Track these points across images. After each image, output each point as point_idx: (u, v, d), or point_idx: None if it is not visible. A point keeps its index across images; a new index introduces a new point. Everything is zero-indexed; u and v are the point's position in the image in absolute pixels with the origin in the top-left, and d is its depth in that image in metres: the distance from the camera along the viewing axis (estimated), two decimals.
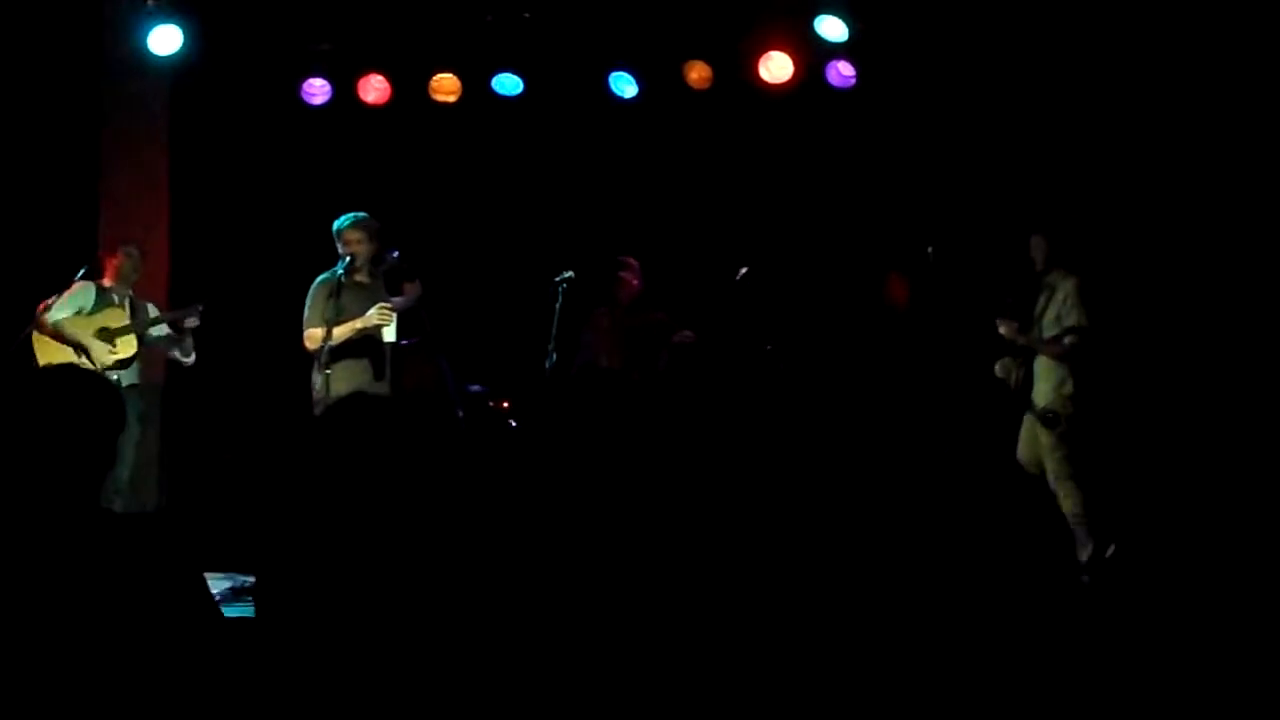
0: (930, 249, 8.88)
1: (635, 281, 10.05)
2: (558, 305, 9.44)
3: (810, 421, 8.89)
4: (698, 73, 10.49)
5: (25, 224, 10.21)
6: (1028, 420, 8.64)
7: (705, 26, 10.41)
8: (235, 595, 8.52)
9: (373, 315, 8.74)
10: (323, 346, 8.73)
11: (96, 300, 9.27)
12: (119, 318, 9.37)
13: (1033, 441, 8.62)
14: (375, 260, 8.97)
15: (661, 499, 8.27)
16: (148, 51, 10.16)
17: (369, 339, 8.84)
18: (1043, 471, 8.54)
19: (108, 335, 9.28)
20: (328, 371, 8.72)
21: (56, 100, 10.49)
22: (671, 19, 10.37)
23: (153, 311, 9.57)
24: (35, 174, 10.39)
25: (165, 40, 10.10)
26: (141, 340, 9.46)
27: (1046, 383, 8.55)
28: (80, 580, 3.06)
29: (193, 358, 9.65)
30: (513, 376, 10.04)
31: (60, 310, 9.16)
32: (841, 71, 10.21)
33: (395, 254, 8.93)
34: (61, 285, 9.33)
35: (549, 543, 7.13)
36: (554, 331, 9.41)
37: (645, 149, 10.82)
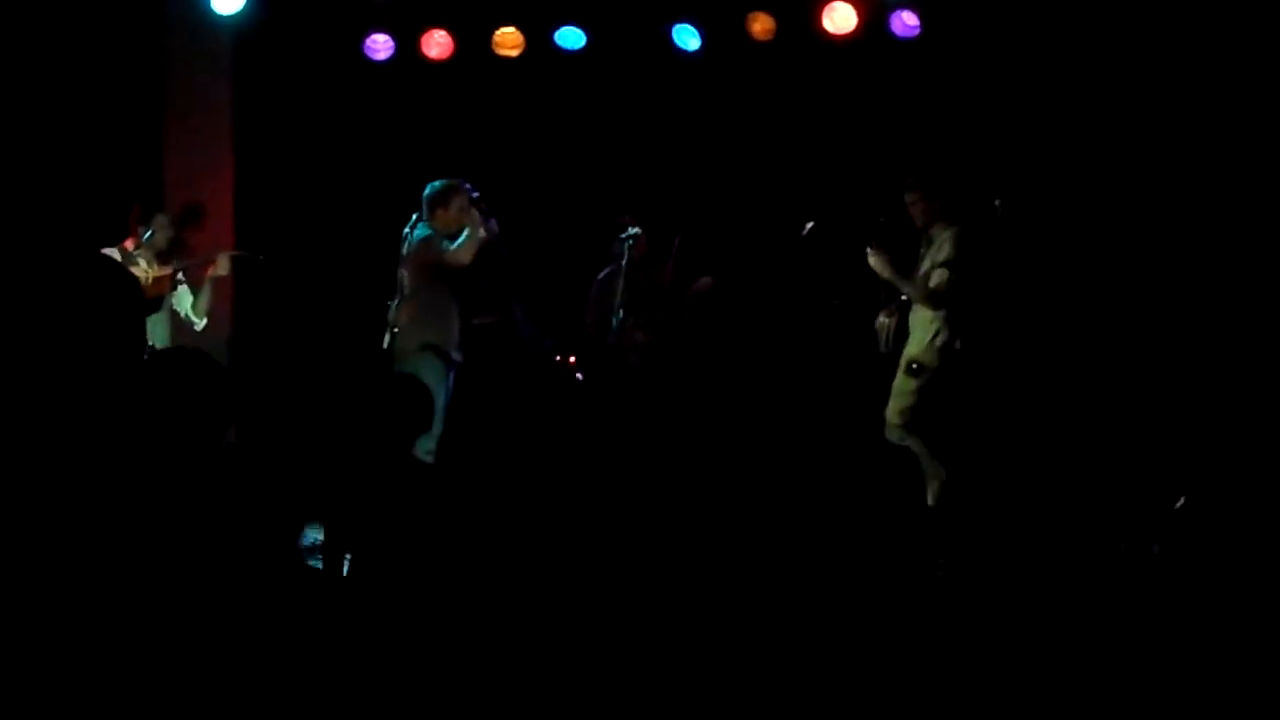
0: (997, 202, 8.80)
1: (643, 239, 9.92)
2: (624, 263, 9.42)
3: (875, 380, 8.86)
4: (761, 24, 10.43)
5: (91, 182, 10.24)
6: (899, 377, 8.62)
7: None
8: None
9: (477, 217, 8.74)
10: (390, 304, 8.80)
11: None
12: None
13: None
14: None
15: (730, 459, 8.31)
16: (210, 11, 10.17)
17: (438, 300, 8.82)
18: (907, 434, 8.53)
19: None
20: (395, 330, 8.76)
21: (120, 58, 10.49)
22: None
23: (184, 289, 9.53)
24: (100, 132, 10.41)
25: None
26: (172, 275, 9.38)
27: (920, 333, 8.53)
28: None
29: (204, 321, 9.61)
30: (579, 332, 10.03)
31: None
32: (905, 21, 10.15)
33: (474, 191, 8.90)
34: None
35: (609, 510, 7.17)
36: (620, 289, 9.40)
37: (709, 102, 10.76)
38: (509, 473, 8.85)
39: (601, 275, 9.93)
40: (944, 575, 8.00)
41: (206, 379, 3.33)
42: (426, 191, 8.73)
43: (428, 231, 8.76)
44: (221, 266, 9.45)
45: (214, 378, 3.34)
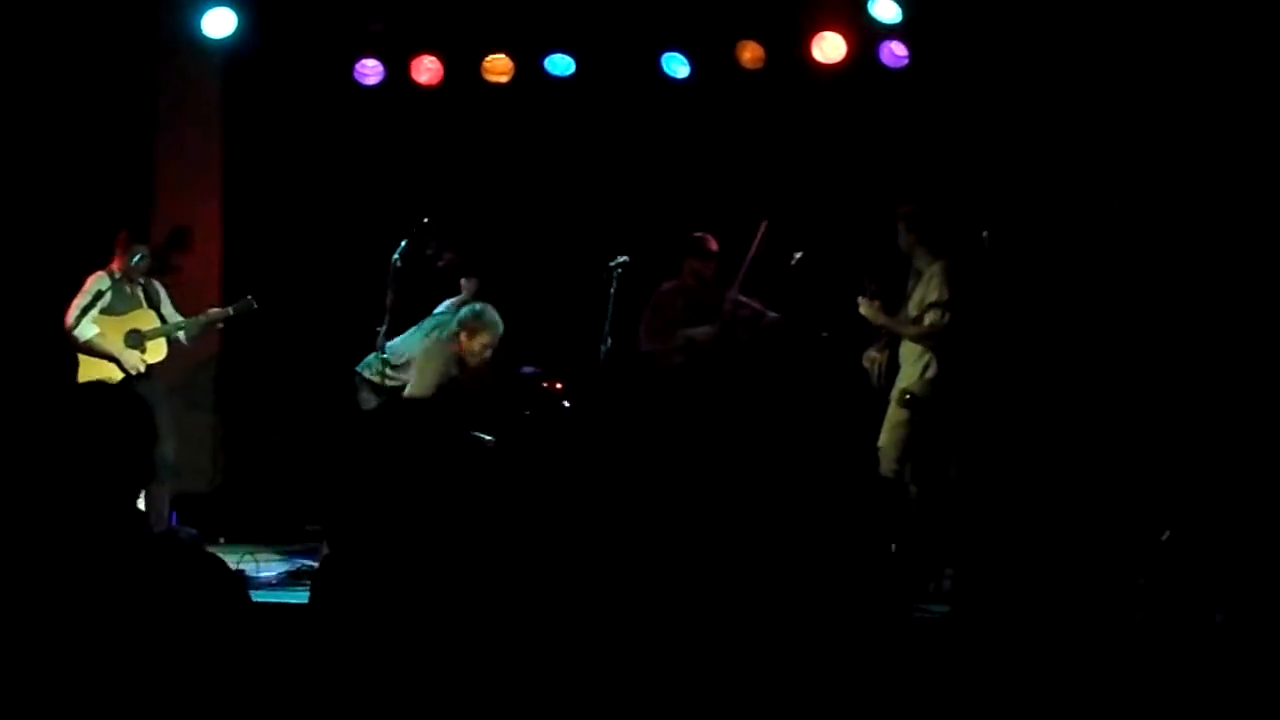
0: (985, 233, 8.83)
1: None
2: (612, 291, 9.41)
3: (864, 409, 8.87)
4: (750, 53, 10.45)
5: (80, 207, 10.26)
6: (891, 409, 8.66)
7: (758, 6, 10.39)
8: (292, 579, 8.60)
9: None
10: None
11: (114, 290, 9.32)
12: (147, 320, 9.40)
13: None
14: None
15: (715, 485, 8.30)
16: (201, 34, 10.19)
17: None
18: (900, 467, 8.57)
19: (137, 339, 9.32)
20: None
21: (111, 84, 10.52)
22: None
23: (163, 294, 9.62)
24: (89, 157, 10.43)
25: (219, 23, 10.14)
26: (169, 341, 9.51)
27: (911, 366, 8.58)
28: (118, 592, 3.12)
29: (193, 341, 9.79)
30: (567, 359, 10.03)
31: (85, 318, 9.17)
32: (895, 52, 10.16)
33: (448, 254, 9.06)
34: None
35: (600, 528, 7.17)
36: (609, 317, 9.39)
37: (698, 130, 10.77)
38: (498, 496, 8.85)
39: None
40: (936, 590, 8.08)
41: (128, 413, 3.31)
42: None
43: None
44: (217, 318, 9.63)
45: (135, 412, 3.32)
